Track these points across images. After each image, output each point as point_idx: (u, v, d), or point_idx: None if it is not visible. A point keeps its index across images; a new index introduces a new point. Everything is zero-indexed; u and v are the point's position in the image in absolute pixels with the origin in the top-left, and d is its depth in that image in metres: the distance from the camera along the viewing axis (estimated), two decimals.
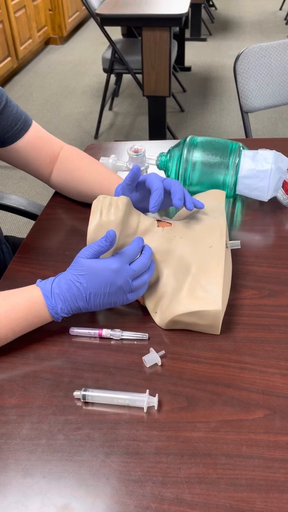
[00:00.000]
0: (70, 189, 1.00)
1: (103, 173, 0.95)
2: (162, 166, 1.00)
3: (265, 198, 0.96)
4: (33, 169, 0.98)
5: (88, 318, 0.76)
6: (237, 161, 0.94)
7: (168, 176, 1.00)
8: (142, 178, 0.83)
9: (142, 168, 1.02)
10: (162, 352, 0.70)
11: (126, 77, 3.72)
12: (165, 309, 0.74)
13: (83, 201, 1.00)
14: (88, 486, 0.56)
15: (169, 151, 1.00)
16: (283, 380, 0.66)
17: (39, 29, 4.35)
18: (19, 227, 2.33)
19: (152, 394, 0.64)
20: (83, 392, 0.64)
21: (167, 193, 0.81)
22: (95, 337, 0.73)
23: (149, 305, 0.77)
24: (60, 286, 0.69)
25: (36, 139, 0.95)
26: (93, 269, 0.69)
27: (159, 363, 0.69)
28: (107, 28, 2.64)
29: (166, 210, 0.98)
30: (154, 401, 0.63)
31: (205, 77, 3.97)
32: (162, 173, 1.02)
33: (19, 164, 0.98)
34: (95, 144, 1.26)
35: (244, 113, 1.65)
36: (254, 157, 0.94)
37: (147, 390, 0.64)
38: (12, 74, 4.03)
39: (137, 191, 0.85)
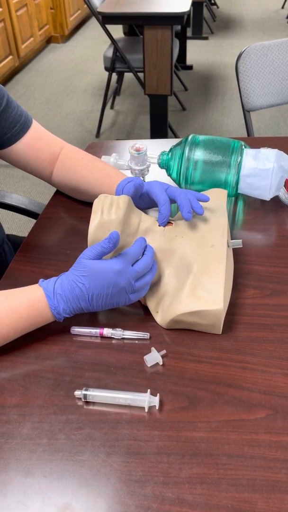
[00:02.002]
0: (72, 188, 0.99)
1: (104, 171, 0.94)
2: (164, 165, 1.00)
3: (267, 197, 0.96)
4: (33, 169, 0.98)
5: (89, 317, 0.76)
6: (239, 160, 0.94)
7: (169, 175, 1.00)
8: (144, 187, 0.83)
9: (143, 167, 1.02)
10: (164, 351, 0.70)
11: (128, 76, 3.72)
12: (166, 308, 0.73)
13: (85, 200, 1.00)
14: (89, 486, 0.56)
15: (170, 149, 0.99)
16: (285, 380, 0.66)
17: (40, 27, 4.34)
18: (20, 226, 2.33)
19: (153, 393, 0.64)
20: (84, 392, 0.64)
21: (171, 201, 0.83)
22: (96, 336, 0.73)
23: (151, 304, 0.76)
24: (63, 286, 0.69)
25: (35, 140, 0.95)
26: (96, 270, 0.68)
27: (161, 363, 0.69)
28: (108, 27, 2.64)
29: None
30: (155, 400, 0.63)
31: (206, 76, 3.97)
32: (163, 172, 1.02)
33: (19, 165, 0.97)
34: (97, 143, 1.26)
35: (246, 111, 1.64)
36: (256, 155, 0.94)
37: (148, 390, 0.64)
38: (13, 73, 4.03)
39: (141, 199, 0.86)
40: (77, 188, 0.98)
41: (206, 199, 0.82)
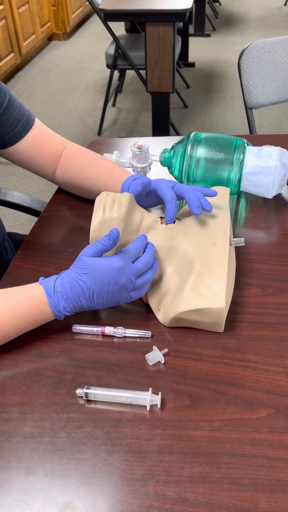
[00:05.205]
0: (76, 187, 0.99)
1: (108, 169, 0.94)
2: (166, 162, 0.99)
3: (270, 195, 0.96)
4: (36, 168, 0.98)
5: (91, 315, 0.76)
6: (241, 158, 0.93)
7: (171, 172, 1.00)
8: (152, 185, 0.83)
9: (145, 165, 1.01)
10: (165, 350, 0.69)
11: (130, 73, 3.71)
12: (168, 306, 0.73)
13: (89, 198, 0.99)
14: (90, 484, 0.55)
15: (172, 147, 0.99)
16: (287, 379, 0.66)
17: (42, 24, 4.33)
18: (22, 224, 2.33)
19: (155, 392, 0.64)
20: (85, 390, 0.64)
21: (178, 198, 0.82)
22: (98, 334, 0.73)
23: (152, 302, 0.76)
24: (63, 284, 0.69)
25: (38, 139, 0.95)
26: (96, 267, 0.68)
27: (162, 361, 0.68)
28: (110, 24, 2.63)
29: None
30: (157, 399, 0.63)
31: (209, 73, 3.96)
32: (165, 170, 1.01)
33: (22, 164, 0.97)
34: (98, 141, 1.26)
35: (248, 109, 1.64)
36: (258, 153, 0.93)
37: (150, 388, 0.64)
38: (15, 70, 4.02)
39: (147, 197, 0.86)
40: (81, 186, 0.97)
41: (214, 194, 0.82)
